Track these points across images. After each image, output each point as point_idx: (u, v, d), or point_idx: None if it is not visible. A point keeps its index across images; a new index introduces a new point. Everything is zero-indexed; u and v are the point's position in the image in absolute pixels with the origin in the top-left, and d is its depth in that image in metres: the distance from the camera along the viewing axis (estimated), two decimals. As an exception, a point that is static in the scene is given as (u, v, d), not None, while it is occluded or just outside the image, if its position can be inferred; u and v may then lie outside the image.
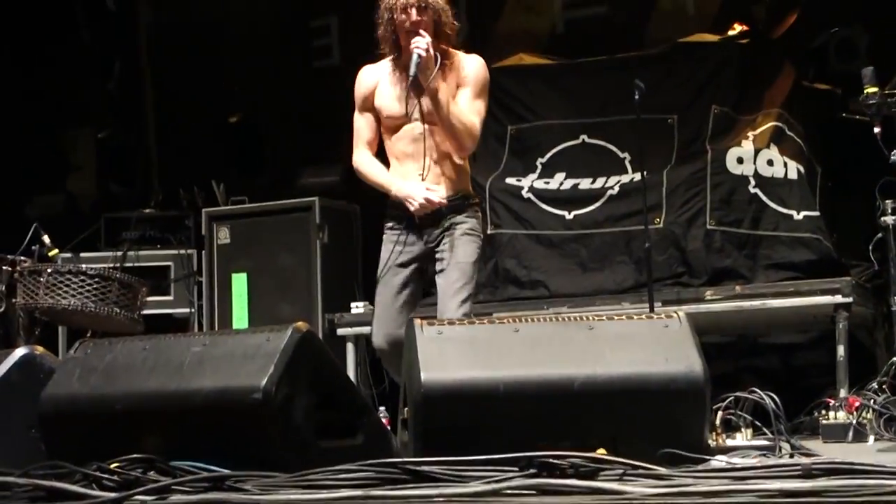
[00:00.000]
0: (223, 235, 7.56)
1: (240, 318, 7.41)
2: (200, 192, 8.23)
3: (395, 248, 5.06)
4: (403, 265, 5.07)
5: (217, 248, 7.57)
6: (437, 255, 5.03)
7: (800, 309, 6.01)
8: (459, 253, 4.99)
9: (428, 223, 5.03)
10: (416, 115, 5.02)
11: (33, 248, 6.31)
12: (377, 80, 5.11)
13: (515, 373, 3.60)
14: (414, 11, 4.92)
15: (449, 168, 5.04)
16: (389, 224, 5.14)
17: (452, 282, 5.00)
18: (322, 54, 8.77)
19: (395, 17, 4.96)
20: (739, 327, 6.97)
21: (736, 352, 7.32)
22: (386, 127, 5.13)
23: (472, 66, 5.07)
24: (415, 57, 4.87)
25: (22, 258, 6.23)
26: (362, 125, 5.17)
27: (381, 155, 5.19)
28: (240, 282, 7.45)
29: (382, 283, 5.10)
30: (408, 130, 5.06)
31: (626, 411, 3.59)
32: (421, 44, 4.87)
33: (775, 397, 4.42)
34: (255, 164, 8.54)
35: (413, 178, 5.03)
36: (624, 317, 3.83)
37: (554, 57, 7.28)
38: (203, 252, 7.69)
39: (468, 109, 4.98)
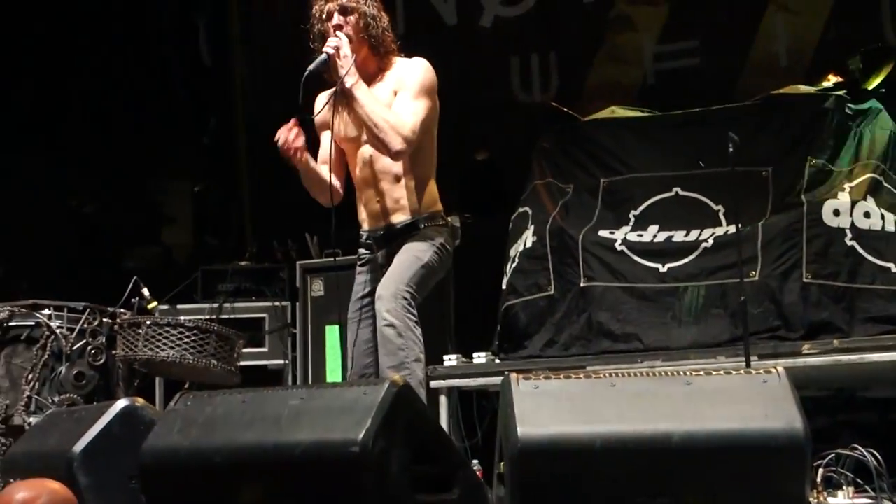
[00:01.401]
0: (317, 288, 7.63)
1: (333, 371, 7.46)
2: (294, 245, 8.32)
3: (355, 287, 5.06)
4: (363, 297, 5.03)
5: (311, 301, 7.64)
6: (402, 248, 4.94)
7: (899, 363, 5.92)
8: (399, 258, 4.90)
9: (382, 245, 4.98)
10: (365, 137, 4.93)
11: (133, 300, 6.41)
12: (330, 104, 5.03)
13: (612, 428, 3.58)
14: (336, 17, 4.87)
15: (405, 191, 4.94)
16: (358, 260, 5.11)
17: (385, 279, 4.87)
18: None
19: (322, 27, 4.92)
20: (837, 382, 6.87)
21: (833, 406, 7.19)
22: (348, 156, 5.05)
23: (409, 69, 4.95)
24: (321, 56, 4.81)
25: (122, 310, 6.34)
26: (322, 147, 5.11)
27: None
28: (333, 334, 7.50)
29: (350, 321, 5.06)
30: (360, 155, 4.98)
31: (725, 468, 3.55)
32: (331, 42, 4.81)
33: (877, 454, 4.34)
34: (349, 217, 8.61)
35: (371, 204, 4.97)
36: (722, 372, 3.79)
37: (645, 109, 7.27)
38: (297, 304, 7.76)
39: (401, 109, 4.84)
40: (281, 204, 9.15)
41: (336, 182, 5.12)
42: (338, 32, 4.87)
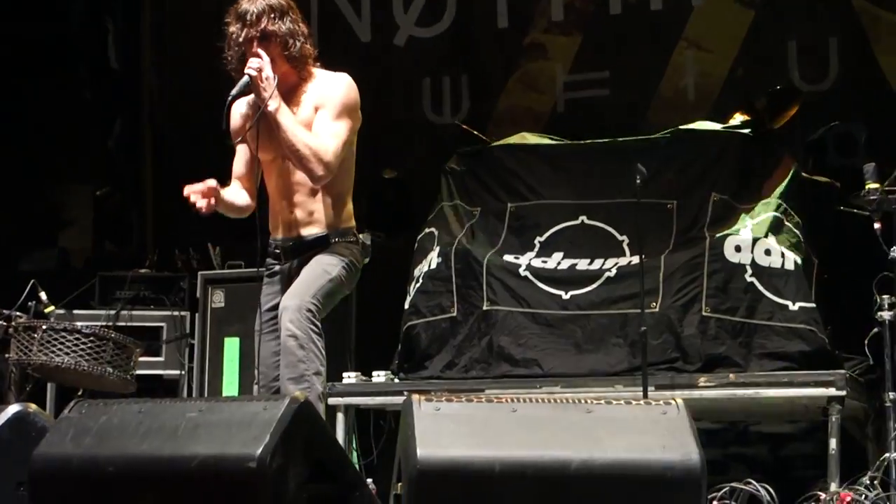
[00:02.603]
0: (217, 299, 7.56)
1: (230, 383, 7.39)
2: (195, 255, 8.24)
3: (262, 298, 4.98)
4: (271, 309, 4.94)
5: (211, 312, 7.56)
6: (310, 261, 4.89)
7: (793, 399, 6.01)
8: (306, 270, 4.84)
9: (290, 257, 4.93)
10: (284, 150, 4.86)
11: (29, 303, 6.29)
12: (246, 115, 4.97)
13: (512, 453, 3.59)
14: (253, 44, 4.78)
15: (320, 205, 4.89)
16: (265, 271, 5.05)
17: (290, 290, 4.81)
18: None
19: (241, 49, 4.83)
20: (730, 414, 6.96)
21: (725, 439, 7.30)
22: (264, 166, 4.97)
23: (332, 86, 4.89)
24: (244, 79, 4.73)
25: (17, 313, 6.22)
26: (236, 158, 5.03)
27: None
28: (232, 346, 7.44)
29: (257, 334, 4.99)
30: (276, 166, 4.92)
31: (622, 498, 3.58)
32: (253, 64, 4.73)
33: (770, 489, 4.40)
34: (252, 229, 8.54)
35: (285, 214, 4.92)
36: (622, 401, 3.82)
37: (555, 136, 7.33)
38: (196, 315, 7.68)
39: (323, 132, 4.78)
40: (183, 213, 9.06)
41: (247, 200, 5.04)
42: (259, 50, 4.78)
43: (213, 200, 4.79)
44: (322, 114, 4.84)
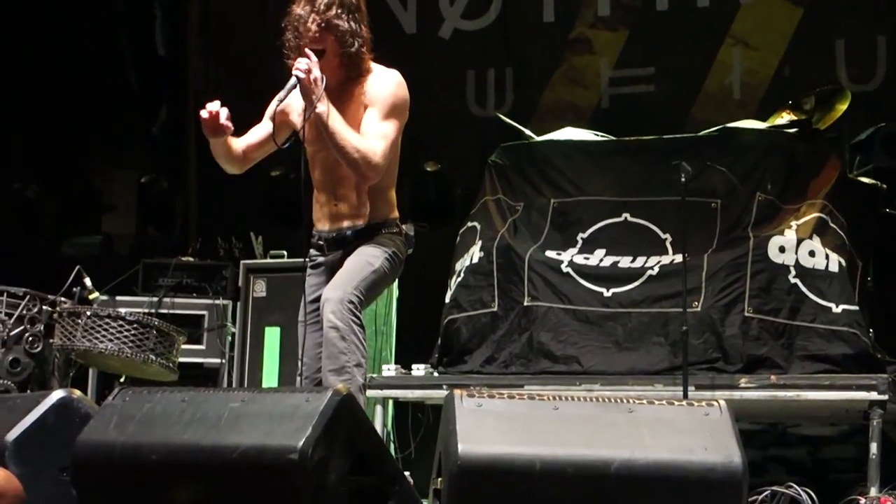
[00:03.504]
0: (259, 288, 7.59)
1: (270, 373, 7.42)
2: (238, 243, 8.28)
3: (306, 289, 4.97)
4: (314, 300, 4.93)
5: (252, 301, 7.59)
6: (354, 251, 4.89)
7: (834, 403, 5.97)
8: (350, 261, 4.84)
9: (334, 248, 4.94)
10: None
11: (74, 289, 6.34)
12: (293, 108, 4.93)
13: (553, 451, 3.59)
14: (313, 28, 4.77)
15: (364, 197, 4.88)
16: (308, 262, 5.05)
17: (333, 282, 4.81)
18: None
19: (298, 40, 4.81)
20: (771, 416, 6.93)
21: (764, 440, 7.27)
22: (309, 157, 4.97)
23: (381, 84, 4.86)
24: (292, 80, 4.70)
25: (62, 299, 6.26)
26: (256, 128, 5.03)
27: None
28: (273, 336, 7.47)
29: (301, 324, 4.99)
30: (321, 159, 4.93)
31: (662, 498, 3.57)
32: (301, 65, 4.69)
33: (811, 493, 4.38)
34: (295, 218, 8.58)
35: (329, 207, 4.93)
36: (664, 402, 3.82)
37: (598, 132, 7.31)
38: (238, 304, 7.71)
39: (370, 133, 4.76)
40: (227, 201, 9.12)
41: (240, 157, 5.03)
42: (308, 51, 4.76)
43: (221, 118, 4.77)
44: (371, 112, 4.84)
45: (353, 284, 4.78)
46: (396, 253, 4.96)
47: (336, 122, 4.73)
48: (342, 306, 4.72)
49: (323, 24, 4.79)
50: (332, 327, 4.71)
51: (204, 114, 4.79)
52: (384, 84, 4.88)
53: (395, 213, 5.04)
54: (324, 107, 4.71)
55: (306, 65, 4.71)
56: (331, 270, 4.93)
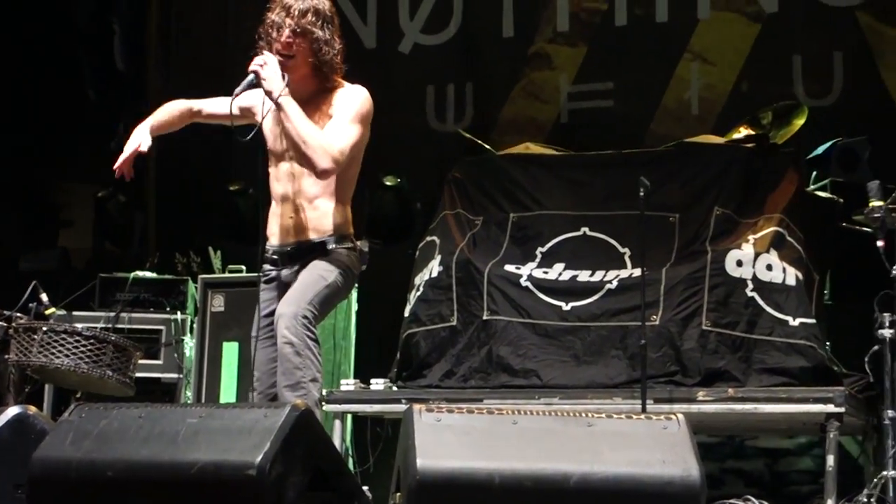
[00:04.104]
0: (217, 303, 7.55)
1: (228, 388, 7.38)
2: (196, 258, 8.24)
3: (260, 304, 4.98)
4: (268, 315, 4.93)
5: (210, 316, 7.55)
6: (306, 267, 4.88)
7: (791, 415, 6.00)
8: (303, 276, 4.84)
9: (288, 263, 4.94)
10: (292, 154, 4.89)
11: (30, 304, 6.28)
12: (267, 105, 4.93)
13: (512, 465, 3.59)
14: (286, 33, 4.82)
15: (319, 212, 4.90)
16: (262, 276, 5.05)
17: (287, 297, 4.81)
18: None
19: (270, 42, 4.87)
20: (728, 429, 6.96)
21: (722, 453, 7.31)
22: (274, 168, 5.01)
23: (348, 96, 4.91)
24: (249, 76, 4.76)
25: (18, 314, 6.21)
26: (212, 100, 5.13)
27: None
28: (231, 351, 7.43)
29: (253, 340, 4.99)
30: (283, 169, 4.95)
31: (621, 512, 3.58)
32: (257, 61, 4.76)
33: (769, 506, 4.40)
34: (254, 233, 8.55)
35: (285, 220, 4.93)
36: (623, 416, 3.82)
37: (558, 147, 7.33)
38: (196, 318, 7.67)
39: (332, 131, 4.79)
40: (185, 216, 9.08)
41: (198, 108, 5.17)
42: (265, 52, 4.81)
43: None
44: (335, 118, 4.86)
45: (307, 299, 4.77)
46: (350, 268, 4.96)
47: (295, 109, 4.74)
48: (296, 321, 4.71)
49: (298, 30, 4.82)
50: (287, 343, 4.70)
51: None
52: (351, 97, 4.92)
53: (350, 230, 5.04)
54: (283, 92, 4.73)
55: (261, 59, 4.76)
56: (285, 285, 4.92)
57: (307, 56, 4.85)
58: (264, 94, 4.81)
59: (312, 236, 4.92)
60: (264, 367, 4.91)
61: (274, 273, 5.01)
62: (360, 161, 5.00)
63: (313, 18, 4.85)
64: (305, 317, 4.72)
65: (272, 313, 4.87)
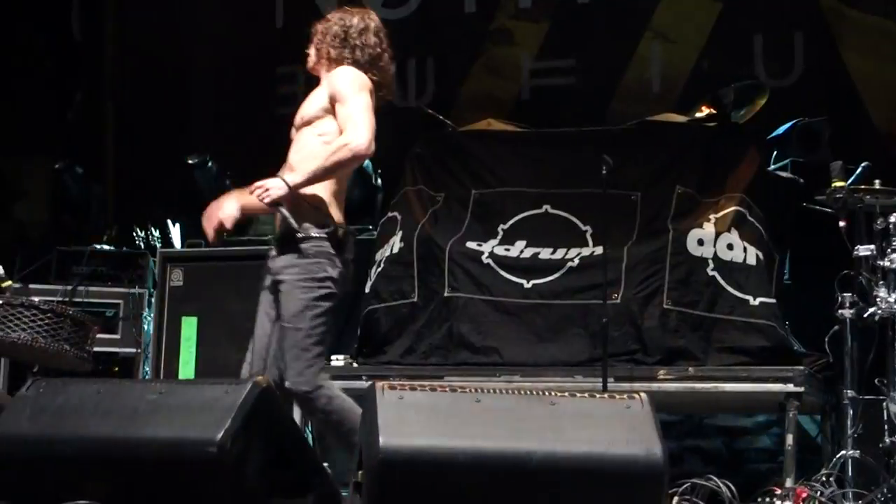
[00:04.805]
0: (176, 277, 7.49)
1: (186, 363, 7.32)
2: (155, 231, 8.17)
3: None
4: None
5: (169, 290, 7.47)
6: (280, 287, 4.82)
7: (750, 394, 6.02)
8: (285, 308, 4.75)
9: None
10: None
11: (-15, 278, 6.21)
12: None
13: (474, 443, 3.59)
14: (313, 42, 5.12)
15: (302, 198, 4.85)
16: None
17: (284, 346, 4.72)
18: (287, 101, 8.75)
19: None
20: (687, 407, 6.98)
21: (681, 431, 7.34)
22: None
23: (335, 79, 4.97)
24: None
25: (-28, 287, 6.13)
26: None
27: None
28: (189, 325, 7.36)
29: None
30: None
31: (584, 491, 3.59)
32: (258, 194, 4.80)
33: (731, 486, 4.41)
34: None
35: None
36: (586, 394, 3.82)
37: (519, 124, 7.30)
38: (154, 293, 7.61)
39: (343, 123, 4.87)
40: (145, 189, 9.01)
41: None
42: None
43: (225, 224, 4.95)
44: (339, 108, 4.91)
45: (297, 371, 4.62)
46: (317, 276, 4.78)
47: (308, 172, 4.78)
48: (301, 398, 4.64)
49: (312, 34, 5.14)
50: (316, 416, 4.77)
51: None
52: (337, 77, 4.96)
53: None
54: (292, 176, 4.78)
55: (259, 191, 4.78)
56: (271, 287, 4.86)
57: (320, 48, 5.10)
58: None
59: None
60: (260, 343, 4.86)
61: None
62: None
63: (332, 38, 5.09)
64: (302, 387, 4.60)
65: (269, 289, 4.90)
